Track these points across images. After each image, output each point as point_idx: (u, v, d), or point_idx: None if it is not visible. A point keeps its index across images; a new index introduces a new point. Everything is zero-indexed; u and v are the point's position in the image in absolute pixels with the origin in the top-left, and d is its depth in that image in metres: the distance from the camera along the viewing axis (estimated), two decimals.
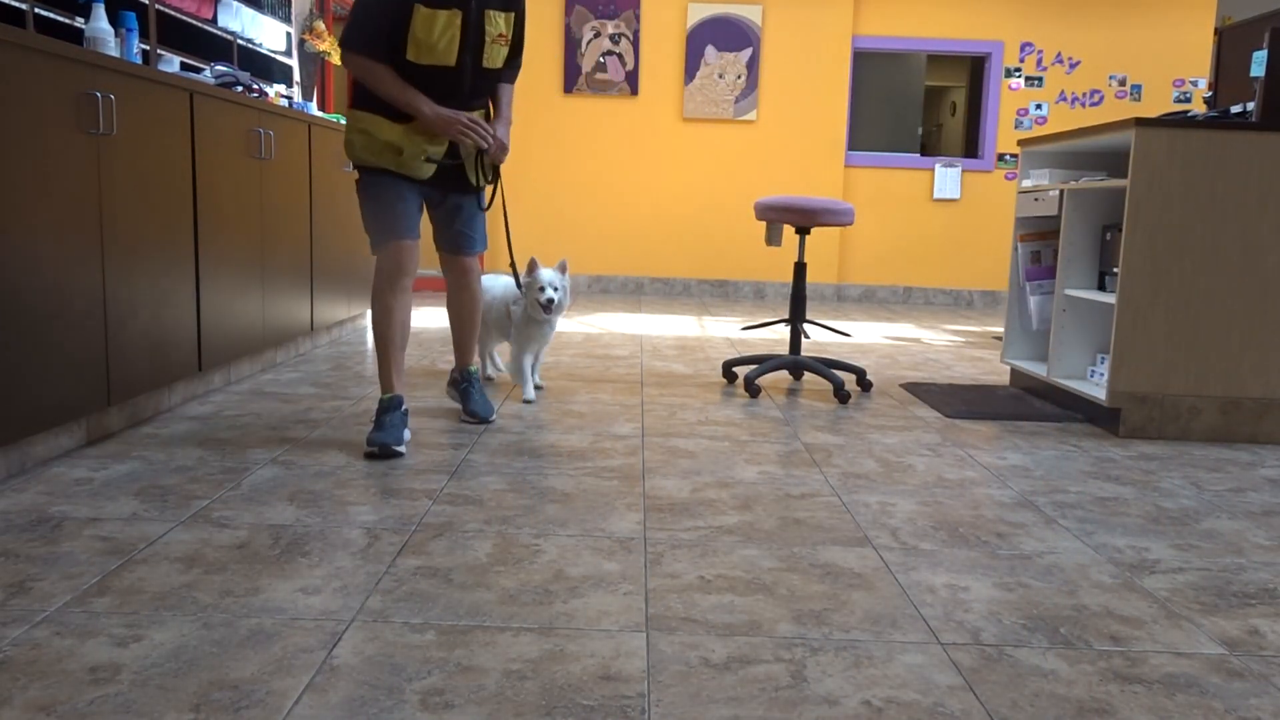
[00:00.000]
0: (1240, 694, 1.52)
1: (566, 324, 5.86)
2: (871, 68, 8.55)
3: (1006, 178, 8.01)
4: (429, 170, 2.84)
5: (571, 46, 7.71)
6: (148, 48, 3.81)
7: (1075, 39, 7.88)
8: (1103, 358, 3.55)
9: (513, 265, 3.14)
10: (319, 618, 1.67)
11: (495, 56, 2.85)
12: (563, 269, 3.40)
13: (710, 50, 7.74)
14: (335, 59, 5.91)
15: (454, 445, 2.86)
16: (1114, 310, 3.28)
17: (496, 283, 3.65)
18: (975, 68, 8.71)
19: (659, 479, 2.58)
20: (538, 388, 3.70)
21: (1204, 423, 3.28)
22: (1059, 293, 3.69)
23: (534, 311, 3.38)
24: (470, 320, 3.17)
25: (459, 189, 2.99)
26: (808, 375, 4.28)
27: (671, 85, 7.80)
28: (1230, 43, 3.75)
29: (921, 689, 1.50)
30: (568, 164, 7.88)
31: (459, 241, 3.06)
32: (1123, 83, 7.93)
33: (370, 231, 2.81)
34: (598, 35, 7.71)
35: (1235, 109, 3.52)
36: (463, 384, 3.20)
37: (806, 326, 6.10)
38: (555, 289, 3.34)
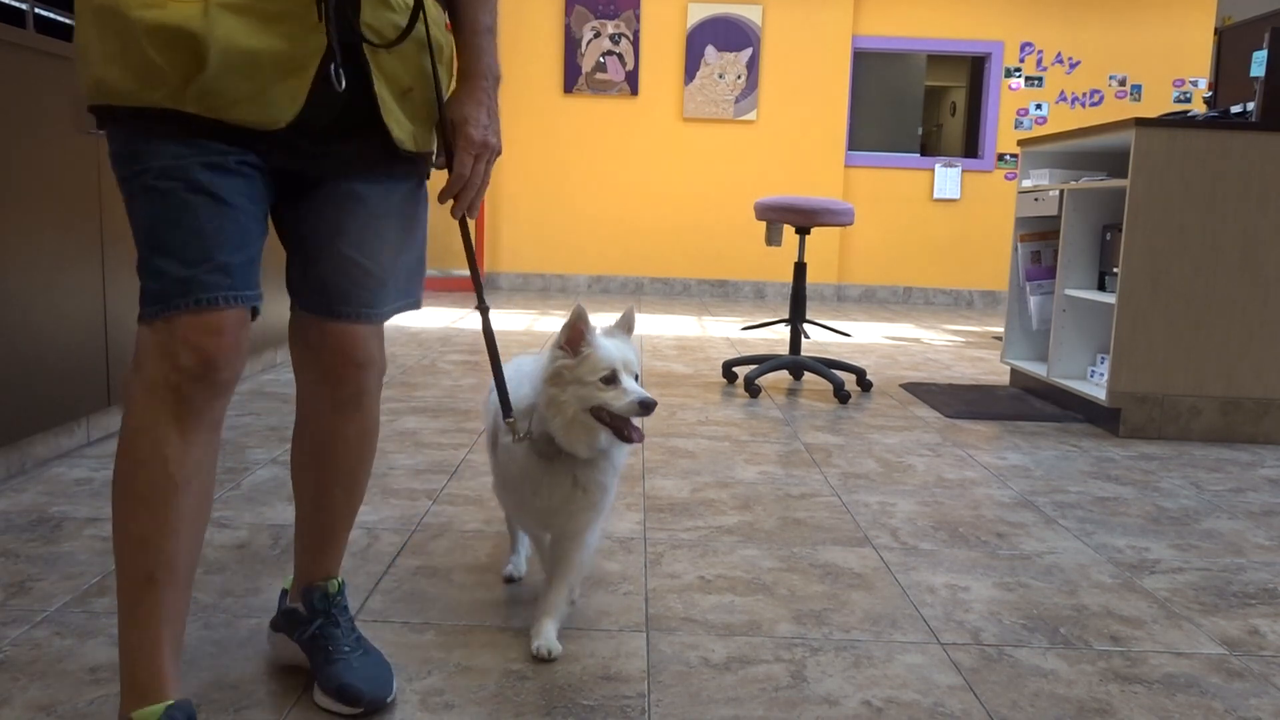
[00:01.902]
0: (1240, 694, 1.52)
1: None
2: (871, 68, 8.55)
3: (1006, 178, 8.01)
4: (290, 109, 1.17)
5: (571, 46, 7.71)
6: None
7: (1075, 39, 7.88)
8: (1103, 358, 3.55)
9: (482, 307, 1.40)
10: None
11: None
12: (628, 326, 1.57)
13: (710, 50, 7.74)
14: None
15: (454, 445, 2.86)
16: (1114, 310, 3.28)
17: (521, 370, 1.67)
18: (975, 68, 8.71)
19: (659, 479, 2.58)
20: (570, 603, 1.70)
21: (1204, 423, 3.28)
22: (1059, 293, 3.69)
23: (576, 436, 1.50)
24: (349, 481, 1.45)
25: (359, 156, 1.28)
26: (808, 375, 4.28)
27: (671, 85, 7.80)
28: (1230, 43, 3.75)
29: (921, 689, 1.50)
30: (568, 164, 7.88)
31: (340, 287, 1.33)
32: (1123, 83, 7.93)
33: (141, 272, 1.18)
34: (598, 35, 7.71)
35: (1235, 109, 3.52)
36: (314, 621, 1.44)
37: (806, 326, 6.10)
38: (636, 374, 1.51)
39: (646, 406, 1.44)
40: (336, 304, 1.33)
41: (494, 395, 1.55)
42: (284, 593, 1.54)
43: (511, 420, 1.46)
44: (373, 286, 1.34)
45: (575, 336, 1.48)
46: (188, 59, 1.10)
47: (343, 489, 1.44)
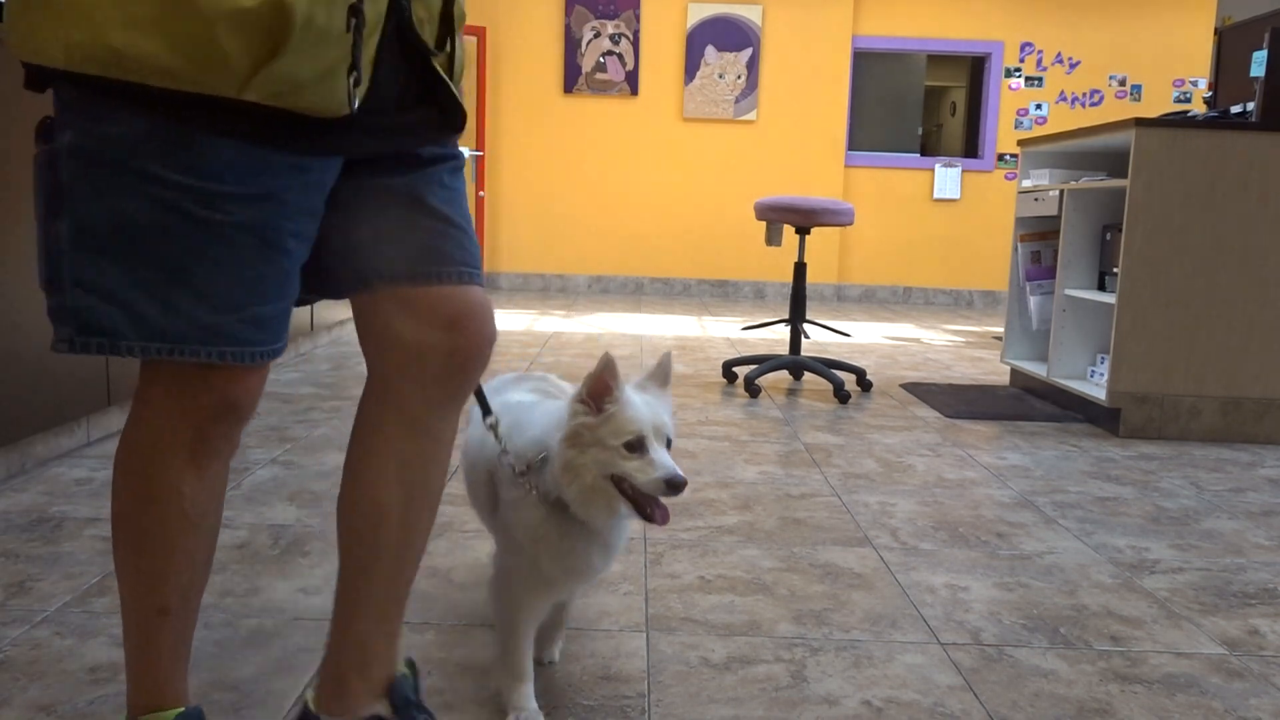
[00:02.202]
0: (1240, 694, 1.52)
1: (566, 324, 5.85)
2: (871, 68, 8.55)
3: (1006, 178, 8.01)
4: (359, 89, 0.99)
5: (571, 46, 7.71)
6: None
7: (1075, 39, 7.88)
8: (1103, 358, 3.55)
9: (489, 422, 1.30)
10: (319, 618, 1.66)
11: None
12: (664, 378, 1.35)
13: (710, 50, 7.74)
14: None
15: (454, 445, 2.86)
16: (1114, 310, 3.28)
17: (527, 410, 1.43)
18: (975, 68, 8.71)
19: None
20: (549, 663, 1.54)
21: (1204, 423, 3.28)
22: (1059, 293, 3.69)
23: (593, 505, 1.27)
24: (418, 524, 1.20)
25: (423, 125, 1.11)
26: (808, 375, 4.28)
27: (671, 85, 7.80)
28: (1230, 43, 3.75)
29: (921, 689, 1.50)
30: (568, 164, 7.88)
31: (443, 248, 1.12)
32: (1123, 83, 7.93)
33: (143, 293, 0.96)
34: (598, 35, 7.71)
35: (1235, 109, 3.52)
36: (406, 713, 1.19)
37: (806, 326, 6.10)
38: (670, 439, 1.29)
39: (675, 487, 1.20)
40: (447, 265, 1.10)
41: (478, 444, 1.38)
42: (306, 712, 1.20)
43: (522, 470, 1.27)
44: (471, 248, 1.14)
45: (600, 390, 1.24)
46: (264, 41, 0.90)
47: (430, 516, 1.21)
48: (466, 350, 1.12)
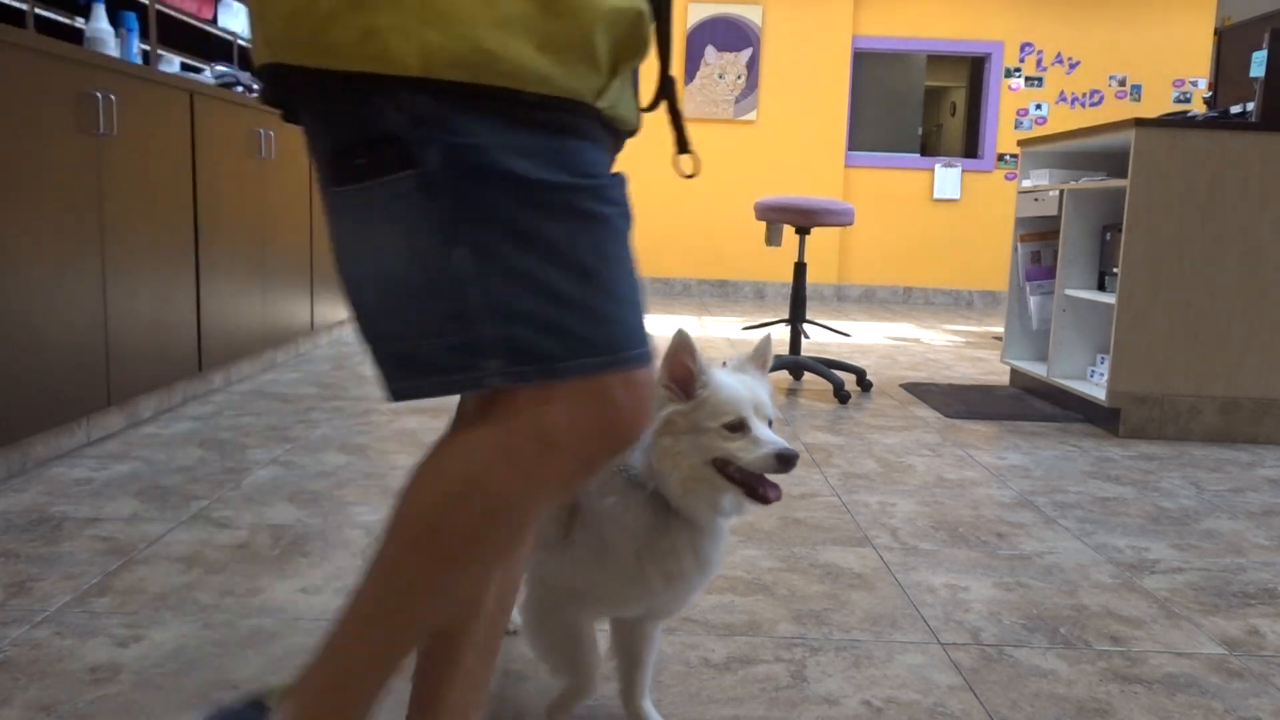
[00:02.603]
0: (1240, 694, 1.52)
1: None
2: (871, 68, 8.55)
3: (1006, 178, 8.01)
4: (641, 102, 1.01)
5: None
6: (148, 48, 3.81)
7: (1075, 39, 7.88)
8: (1103, 358, 3.55)
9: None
10: (319, 618, 1.66)
11: None
12: (763, 360, 1.26)
13: (710, 50, 7.74)
14: None
15: None
16: (1114, 310, 3.28)
17: None
18: (975, 68, 8.71)
19: None
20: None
21: (1204, 423, 3.28)
22: (1059, 293, 3.69)
23: (696, 495, 1.17)
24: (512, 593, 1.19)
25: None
26: (808, 375, 4.28)
27: None
28: (1230, 43, 3.75)
29: (921, 689, 1.50)
30: None
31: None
32: (1123, 83, 7.93)
33: (572, 314, 0.86)
34: None
35: (1235, 109, 3.52)
36: None
37: (806, 326, 6.10)
38: (770, 418, 1.20)
39: (786, 461, 1.12)
40: (636, 339, 0.90)
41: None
42: None
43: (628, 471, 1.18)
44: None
45: (680, 373, 1.16)
46: (627, 46, 0.86)
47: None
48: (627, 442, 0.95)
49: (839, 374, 3.98)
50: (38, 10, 3.18)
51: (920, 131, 8.96)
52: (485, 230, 0.82)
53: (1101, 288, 3.63)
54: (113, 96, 2.65)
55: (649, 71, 1.13)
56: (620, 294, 0.87)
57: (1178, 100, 7.93)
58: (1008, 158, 7.98)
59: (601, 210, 0.86)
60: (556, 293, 0.84)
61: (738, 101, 7.80)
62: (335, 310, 4.65)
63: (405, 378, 0.87)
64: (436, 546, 0.88)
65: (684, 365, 1.16)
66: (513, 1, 0.79)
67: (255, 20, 0.85)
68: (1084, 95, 7.95)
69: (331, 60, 0.79)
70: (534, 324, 0.83)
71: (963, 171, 7.97)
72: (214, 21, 4.43)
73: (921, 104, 8.81)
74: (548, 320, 0.84)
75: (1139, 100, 7.95)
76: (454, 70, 0.79)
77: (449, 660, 1.08)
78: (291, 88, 0.85)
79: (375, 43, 0.78)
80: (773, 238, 3.97)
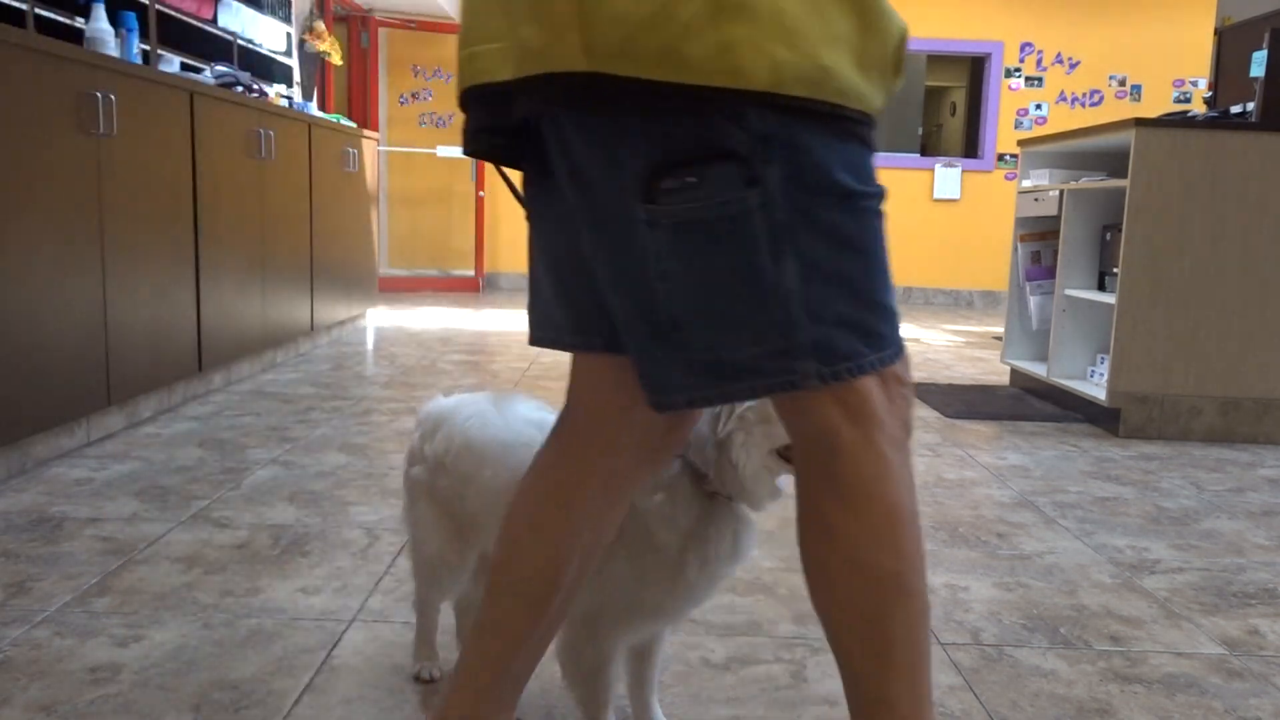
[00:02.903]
0: (1240, 694, 1.52)
1: None
2: None
3: (1006, 178, 8.01)
4: None
5: None
6: (148, 48, 3.81)
7: (1075, 39, 7.88)
8: (1103, 358, 3.55)
9: None
10: (319, 618, 1.67)
11: None
12: None
13: None
14: (335, 59, 5.92)
15: None
16: (1114, 310, 3.28)
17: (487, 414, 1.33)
18: (975, 68, 8.71)
19: None
20: None
21: (1204, 423, 3.28)
22: (1059, 293, 3.69)
23: (762, 480, 1.19)
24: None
25: None
26: None
27: None
28: (1230, 43, 3.75)
29: None
30: None
31: None
32: (1123, 83, 7.93)
33: (868, 311, 0.92)
34: None
35: (1235, 109, 3.52)
36: None
37: None
38: None
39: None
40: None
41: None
42: None
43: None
44: None
45: None
46: (901, 67, 0.91)
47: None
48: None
49: None
50: (38, 10, 3.18)
51: (920, 131, 8.96)
52: (813, 243, 0.86)
53: (1101, 288, 3.63)
54: (113, 96, 2.65)
55: None
56: (889, 288, 0.93)
57: (1178, 100, 7.93)
58: (1008, 158, 7.98)
59: (880, 214, 0.92)
60: (863, 295, 0.89)
61: None
62: (335, 310, 4.65)
63: (711, 385, 0.90)
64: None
65: None
66: (841, 20, 0.82)
67: (563, 28, 0.81)
68: (1084, 95, 7.95)
69: (683, 74, 0.79)
70: (844, 325, 0.88)
71: (963, 171, 7.97)
72: (214, 21, 4.43)
73: (921, 104, 8.81)
74: (855, 321, 0.89)
75: (1139, 100, 7.95)
76: (798, 86, 0.80)
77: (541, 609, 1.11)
78: (602, 99, 0.83)
79: (730, 57, 0.78)
80: None
